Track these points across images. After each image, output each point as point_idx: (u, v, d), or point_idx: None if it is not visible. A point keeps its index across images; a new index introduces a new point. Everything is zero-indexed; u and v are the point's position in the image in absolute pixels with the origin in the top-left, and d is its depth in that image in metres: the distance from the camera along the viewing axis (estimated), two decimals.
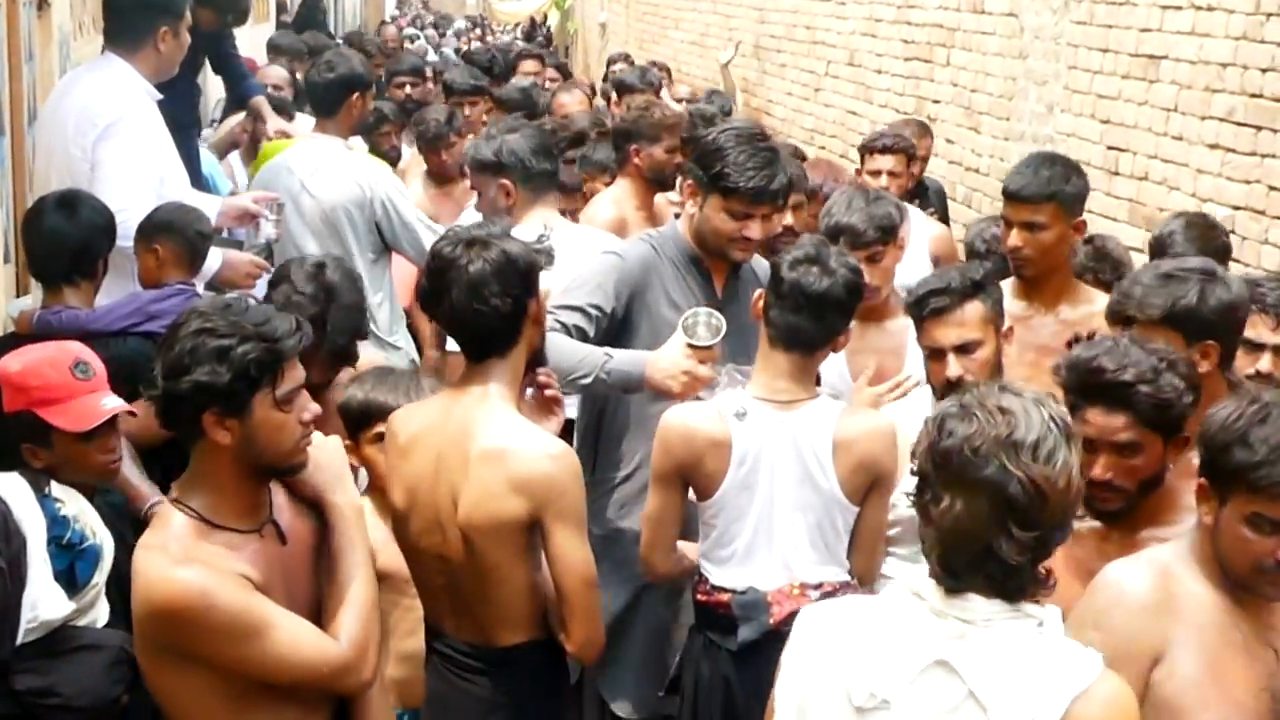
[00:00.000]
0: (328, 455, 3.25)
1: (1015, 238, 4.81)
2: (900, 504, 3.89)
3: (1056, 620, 2.60)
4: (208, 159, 7.63)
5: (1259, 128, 6.29)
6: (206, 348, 2.95)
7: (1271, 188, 6.20)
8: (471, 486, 3.41)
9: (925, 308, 4.08)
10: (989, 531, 2.52)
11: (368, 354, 5.80)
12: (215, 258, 5.37)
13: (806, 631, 2.73)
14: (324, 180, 6.09)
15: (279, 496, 3.18)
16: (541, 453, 3.44)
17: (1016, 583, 2.56)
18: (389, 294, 6.17)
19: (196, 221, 4.95)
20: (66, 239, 4.65)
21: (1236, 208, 6.41)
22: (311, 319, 3.63)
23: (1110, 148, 7.58)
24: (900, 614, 2.63)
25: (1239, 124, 6.43)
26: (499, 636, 3.52)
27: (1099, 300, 4.64)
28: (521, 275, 3.49)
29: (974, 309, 4.06)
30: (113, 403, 3.76)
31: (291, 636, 3.01)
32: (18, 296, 6.15)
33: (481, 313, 3.44)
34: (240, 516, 3.07)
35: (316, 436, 3.21)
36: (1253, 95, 6.34)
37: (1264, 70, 6.27)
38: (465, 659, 3.56)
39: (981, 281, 4.11)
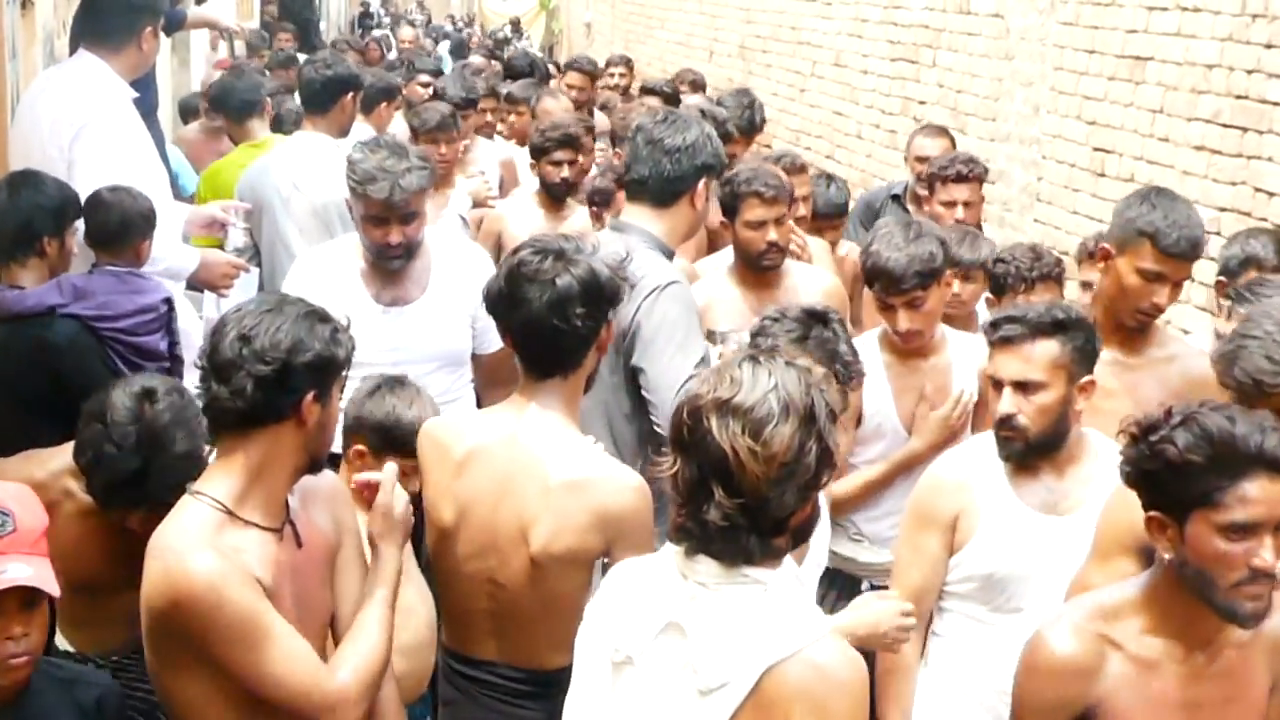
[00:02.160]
0: (396, 508, 3.27)
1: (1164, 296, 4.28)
2: (966, 563, 3.84)
3: (782, 585, 2.62)
4: (173, 154, 7.60)
5: (1245, 129, 6.29)
6: (321, 331, 3.02)
7: (1257, 189, 6.21)
8: (551, 517, 3.33)
9: (995, 333, 3.80)
10: (701, 494, 2.57)
11: None
12: (192, 258, 5.35)
13: (603, 586, 2.85)
14: (315, 178, 6.08)
15: (293, 501, 3.15)
16: (624, 485, 3.36)
17: (731, 547, 2.59)
18: None
19: (117, 206, 4.84)
20: (6, 216, 4.62)
21: (1222, 209, 6.42)
22: (130, 477, 3.44)
23: (1096, 149, 7.58)
24: (656, 575, 2.70)
25: (1225, 126, 6.44)
26: (550, 660, 3.40)
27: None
28: (607, 298, 3.40)
29: (1045, 348, 3.71)
30: (19, 571, 2.94)
31: (290, 656, 2.97)
32: None
33: (559, 330, 3.33)
34: (265, 512, 3.05)
35: (399, 492, 3.27)
36: (1239, 97, 6.35)
37: (1250, 72, 6.28)
38: (515, 684, 3.48)
39: (1065, 322, 3.74)
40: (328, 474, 3.25)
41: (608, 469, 3.39)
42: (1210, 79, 6.56)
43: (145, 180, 5.26)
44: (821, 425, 2.59)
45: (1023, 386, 3.72)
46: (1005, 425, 3.74)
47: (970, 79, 9.15)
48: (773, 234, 5.05)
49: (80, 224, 4.79)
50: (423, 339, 4.76)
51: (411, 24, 25.18)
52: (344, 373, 3.10)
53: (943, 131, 7.33)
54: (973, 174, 6.13)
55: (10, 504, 3.01)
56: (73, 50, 5.92)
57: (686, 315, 4.18)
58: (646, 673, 2.65)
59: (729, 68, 13.94)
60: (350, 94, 6.36)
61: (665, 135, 4.34)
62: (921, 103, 9.84)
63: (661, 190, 4.34)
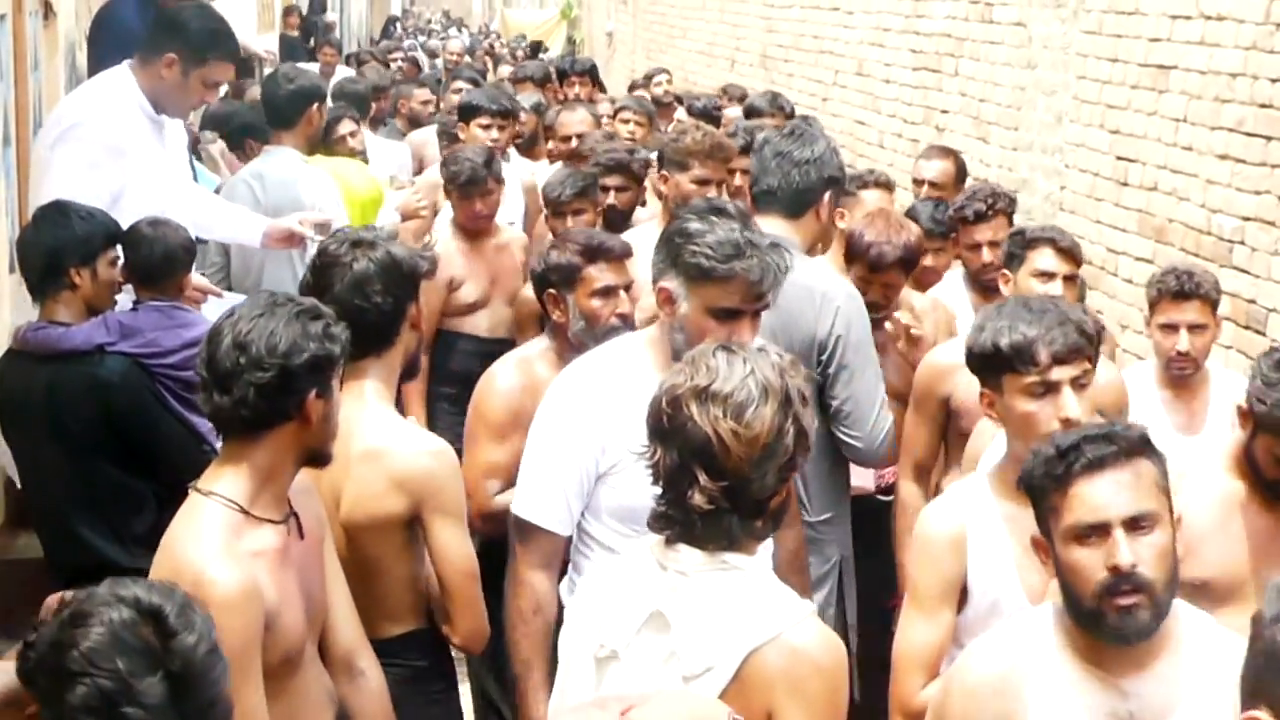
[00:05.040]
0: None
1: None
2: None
3: (761, 571, 2.70)
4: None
5: (1269, 138, 6.26)
6: (314, 328, 3.07)
7: None
8: (352, 485, 3.50)
9: (1072, 461, 2.76)
10: (683, 479, 2.63)
11: None
12: None
13: (581, 584, 2.91)
14: (274, 191, 6.12)
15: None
16: (420, 450, 3.55)
17: (714, 532, 2.65)
18: None
19: (160, 241, 4.79)
20: (34, 250, 4.61)
21: (1246, 219, 6.38)
22: None
23: (1119, 158, 7.55)
24: (636, 567, 2.75)
25: (1249, 134, 6.41)
26: (383, 628, 3.57)
27: None
28: (405, 277, 3.61)
29: (1146, 468, 2.78)
30: None
31: (253, 711, 2.95)
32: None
33: (363, 309, 3.52)
34: (275, 507, 3.10)
35: None
36: (1262, 106, 6.31)
37: (1274, 80, 6.24)
38: None
39: (1146, 437, 2.84)
40: None
41: (407, 436, 3.58)
42: (1234, 87, 6.53)
43: (131, 194, 5.06)
44: (797, 407, 2.68)
45: (1135, 524, 2.74)
46: (1127, 587, 2.71)
47: (993, 88, 9.13)
48: (1058, 288, 4.69)
49: (117, 253, 4.73)
50: None
51: (428, 34, 25.23)
52: (341, 364, 3.17)
53: (946, 152, 7.04)
54: (994, 210, 5.65)
55: None
56: (91, 65, 5.89)
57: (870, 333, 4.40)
58: (632, 666, 2.69)
59: (751, 77, 13.93)
60: (315, 105, 6.37)
61: (793, 148, 4.49)
62: (944, 112, 9.82)
63: (791, 201, 4.48)
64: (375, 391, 3.59)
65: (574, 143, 7.36)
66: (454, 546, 3.54)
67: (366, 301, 3.54)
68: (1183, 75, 6.97)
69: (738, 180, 6.22)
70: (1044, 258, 4.76)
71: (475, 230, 6.44)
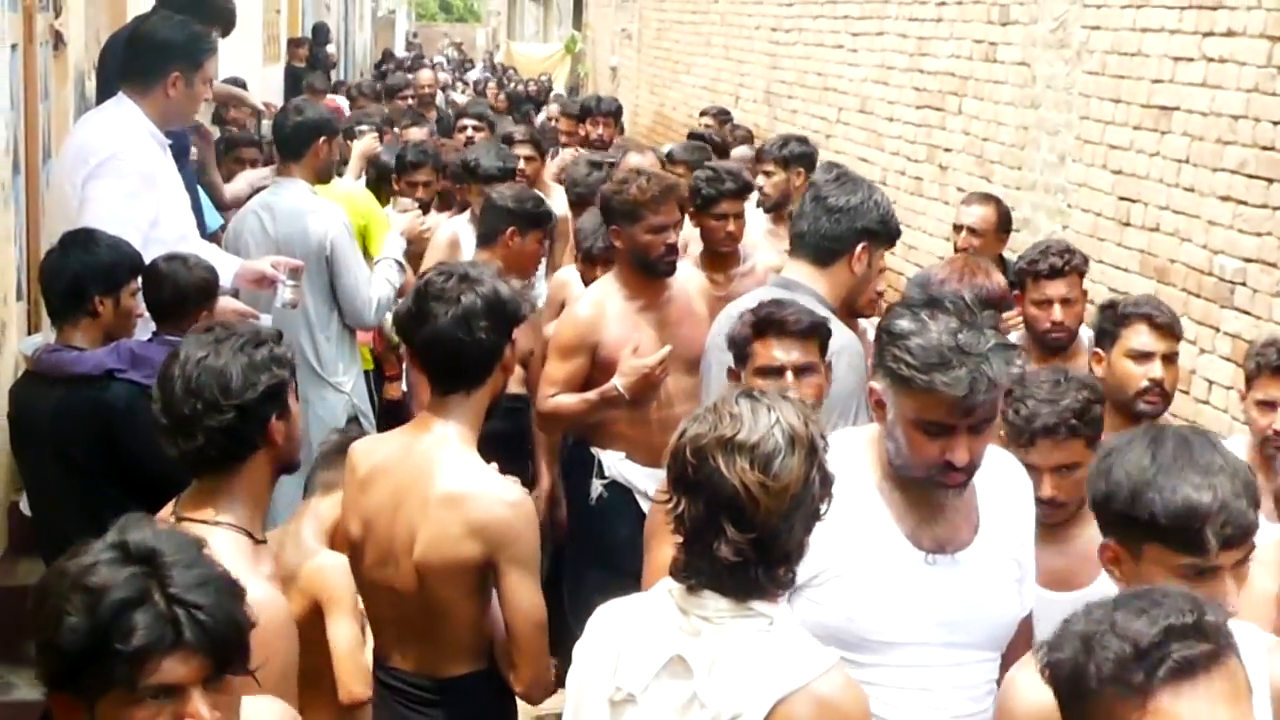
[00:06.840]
0: None
1: None
2: None
3: (786, 619, 2.66)
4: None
5: (1270, 180, 6.29)
6: (259, 357, 3.10)
7: None
8: (429, 528, 3.50)
9: (1162, 663, 2.01)
10: (709, 530, 2.59)
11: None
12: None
13: (590, 627, 2.82)
14: (283, 221, 6.18)
15: None
16: (499, 498, 3.52)
17: (741, 582, 2.61)
18: (337, 333, 6.24)
19: (170, 278, 4.82)
20: (57, 276, 4.65)
21: (1248, 260, 6.41)
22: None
23: (1122, 198, 7.59)
24: (654, 610, 2.70)
25: (1251, 176, 6.44)
26: (446, 668, 3.61)
27: None
28: (509, 316, 3.60)
29: (1238, 670, 2.07)
30: None
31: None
32: (30, 334, 6.18)
33: (464, 343, 3.51)
34: (261, 528, 3.20)
35: None
36: (1264, 148, 6.35)
37: (1275, 123, 6.28)
38: (414, 690, 3.64)
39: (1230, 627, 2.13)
40: None
41: (487, 483, 3.53)
42: (1236, 130, 6.57)
43: (163, 225, 5.17)
44: (821, 455, 2.65)
45: None
46: None
47: (996, 127, 9.17)
48: (1158, 370, 4.36)
49: (138, 285, 4.76)
50: (983, 607, 3.12)
51: (436, 66, 25.06)
52: (293, 381, 3.21)
53: (987, 199, 6.90)
54: (1070, 266, 5.28)
55: None
56: (99, 93, 5.93)
57: (860, 386, 3.92)
58: (650, 710, 2.66)
59: (754, 113, 13.99)
60: (323, 138, 6.42)
61: (830, 194, 4.33)
62: (947, 150, 9.86)
63: (818, 248, 4.32)
64: (458, 434, 3.56)
65: None
66: (525, 596, 3.52)
67: (470, 336, 3.51)
68: (1185, 117, 7.01)
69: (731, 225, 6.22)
70: (1139, 336, 4.42)
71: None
